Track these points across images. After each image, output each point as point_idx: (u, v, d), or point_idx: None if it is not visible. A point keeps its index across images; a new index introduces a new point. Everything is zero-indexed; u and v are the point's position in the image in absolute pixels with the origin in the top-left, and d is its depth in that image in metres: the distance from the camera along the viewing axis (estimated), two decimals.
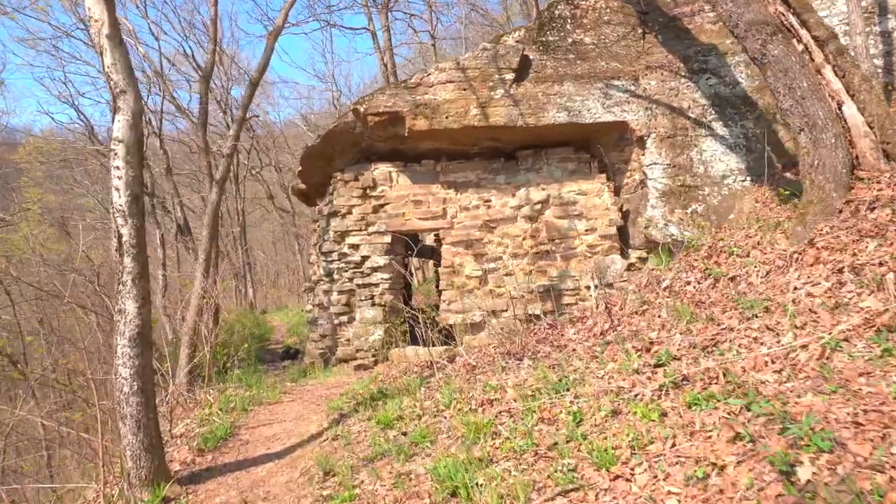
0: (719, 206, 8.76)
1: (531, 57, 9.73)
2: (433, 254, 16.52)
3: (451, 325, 10.01)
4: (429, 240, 18.33)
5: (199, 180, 27.99)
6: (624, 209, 9.79)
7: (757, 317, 4.52)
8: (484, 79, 9.57)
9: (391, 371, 7.73)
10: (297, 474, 4.91)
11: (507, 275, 9.86)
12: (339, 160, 11.42)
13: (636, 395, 4.14)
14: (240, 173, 26.91)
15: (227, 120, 26.27)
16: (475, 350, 7.42)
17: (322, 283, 11.50)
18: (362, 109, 9.87)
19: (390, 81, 19.36)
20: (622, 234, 9.78)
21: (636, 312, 5.96)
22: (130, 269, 4.66)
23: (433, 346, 9.62)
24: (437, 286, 17.39)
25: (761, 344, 4.14)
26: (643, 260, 9.46)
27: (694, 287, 5.62)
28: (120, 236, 4.65)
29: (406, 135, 9.84)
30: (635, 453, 3.44)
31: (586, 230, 9.76)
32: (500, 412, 4.65)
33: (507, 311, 9.82)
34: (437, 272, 16.86)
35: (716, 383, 3.88)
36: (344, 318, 10.74)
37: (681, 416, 3.68)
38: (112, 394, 5.17)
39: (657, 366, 4.43)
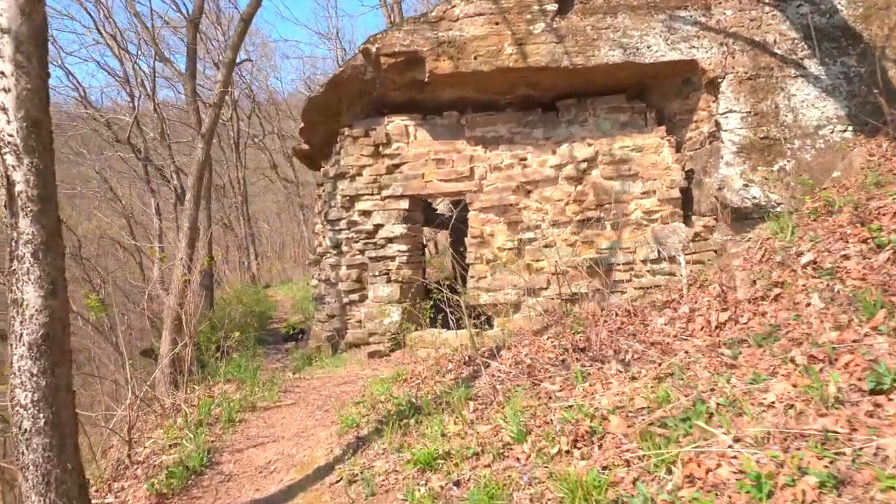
0: (813, 163, 6.91)
1: None
2: (448, 222, 14.69)
3: (479, 306, 8.24)
4: (441, 207, 16.48)
5: (193, 145, 26.00)
6: (687, 168, 7.93)
7: None
8: (521, 10, 7.62)
9: (416, 366, 5.95)
10: None
11: (546, 246, 8.05)
12: (346, 114, 9.53)
13: (861, 449, 2.37)
14: (241, 141, 24.90)
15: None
16: (525, 340, 5.63)
17: (329, 255, 9.70)
18: (374, 49, 7.96)
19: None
20: (684, 199, 7.93)
21: (762, 297, 4.17)
22: (30, 235, 2.85)
23: (458, 329, 7.90)
24: (453, 260, 15.60)
25: None
26: (710, 229, 7.64)
27: (859, 263, 3.82)
28: (10, 184, 2.82)
29: (426, 80, 7.94)
30: None
31: (642, 193, 7.91)
32: (611, 460, 2.88)
33: (547, 289, 8.04)
34: (451, 243, 15.04)
35: None
36: (354, 297, 8.97)
37: None
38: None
39: (876, 392, 2.65)
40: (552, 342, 5.31)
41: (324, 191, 10.18)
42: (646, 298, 7.30)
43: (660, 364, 3.81)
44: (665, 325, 4.68)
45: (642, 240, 7.83)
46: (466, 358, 5.47)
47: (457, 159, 8.49)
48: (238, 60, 9.67)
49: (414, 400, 4.53)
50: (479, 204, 8.35)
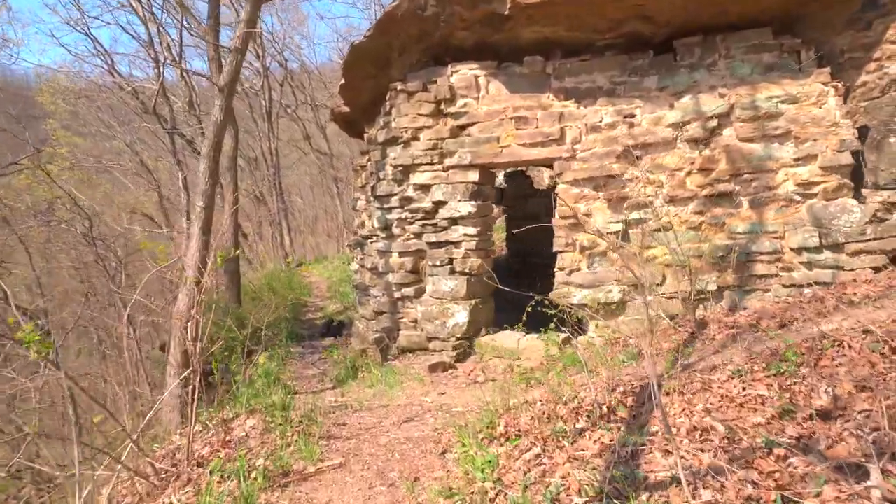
0: None
1: None
2: (502, 197, 12.61)
3: (570, 306, 6.24)
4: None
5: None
6: (858, 125, 5.75)
7: None
8: None
9: (518, 415, 3.97)
10: None
11: (661, 230, 5.98)
12: (398, 65, 7.49)
13: None
14: (273, 111, 22.96)
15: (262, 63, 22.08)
16: (693, 382, 3.61)
17: (375, 238, 7.78)
18: None
19: None
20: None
21: None
22: None
23: (534, 332, 6.00)
24: (509, 241, 13.51)
25: None
26: (890, 207, 5.49)
27: None
28: None
29: (506, 13, 5.88)
30: None
31: (796, 159, 5.73)
32: None
33: (662, 284, 5.99)
34: (507, 220, 12.97)
35: None
36: (409, 291, 7.04)
37: None
38: None
39: None
40: (742, 388, 3.29)
41: (369, 160, 8.21)
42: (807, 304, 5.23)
43: None
44: None
45: (795, 221, 5.70)
46: (603, 409, 3.48)
47: (542, 118, 6.42)
48: None
49: None
50: (571, 175, 6.29)
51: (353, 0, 38.98)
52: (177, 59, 17.04)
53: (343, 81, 8.32)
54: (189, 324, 4.39)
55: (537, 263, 11.99)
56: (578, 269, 6.24)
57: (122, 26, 20.65)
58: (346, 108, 9.20)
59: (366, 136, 8.51)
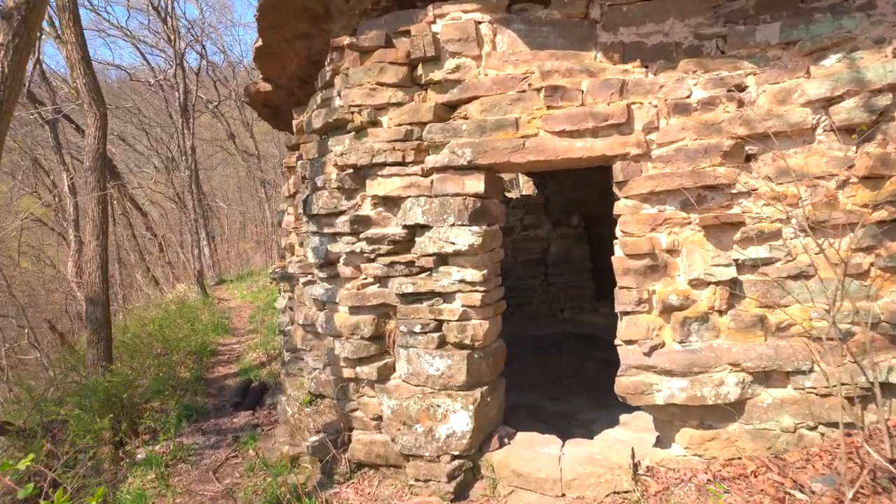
0: None
1: None
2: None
3: (650, 406, 3.54)
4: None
5: (136, 112, 20.07)
6: None
7: None
8: None
9: None
10: None
11: (795, 277, 3.36)
12: (342, 17, 4.54)
13: None
14: (190, 104, 19.02)
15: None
16: None
17: (311, 278, 4.81)
18: None
19: None
20: None
21: None
22: None
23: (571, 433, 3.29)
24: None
25: None
26: None
27: None
28: None
29: None
30: None
31: None
32: None
33: (808, 372, 3.35)
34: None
35: None
36: (367, 370, 4.09)
37: None
38: None
39: None
40: None
41: (299, 158, 5.22)
42: None
43: None
44: None
45: None
46: None
47: (590, 89, 3.66)
48: None
49: None
50: (644, 184, 3.57)
51: None
52: (70, 24, 13.17)
53: (259, 43, 5.25)
54: None
55: (518, 287, 9.32)
56: (663, 345, 3.52)
57: None
58: (266, 86, 6.11)
59: (294, 123, 5.50)
